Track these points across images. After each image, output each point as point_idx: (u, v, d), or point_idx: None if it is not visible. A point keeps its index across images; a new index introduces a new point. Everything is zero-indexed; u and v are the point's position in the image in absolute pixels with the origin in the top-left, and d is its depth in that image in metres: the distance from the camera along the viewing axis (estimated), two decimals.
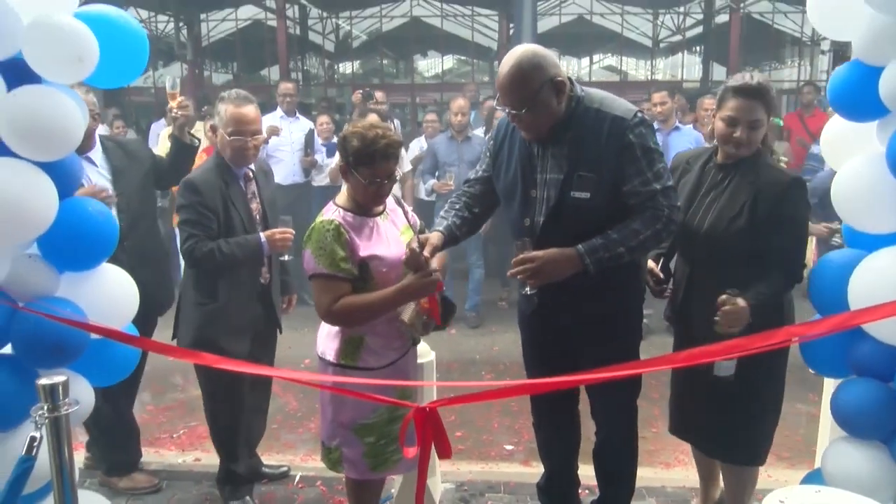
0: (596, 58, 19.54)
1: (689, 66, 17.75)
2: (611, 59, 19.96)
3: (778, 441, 3.94)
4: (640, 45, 17.98)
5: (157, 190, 3.55)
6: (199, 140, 3.41)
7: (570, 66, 18.62)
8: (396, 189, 5.33)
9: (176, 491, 3.29)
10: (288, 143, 6.24)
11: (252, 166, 3.03)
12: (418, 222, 2.62)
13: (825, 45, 14.99)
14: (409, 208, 2.67)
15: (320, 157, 6.40)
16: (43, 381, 1.70)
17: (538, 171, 2.37)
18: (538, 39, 10.03)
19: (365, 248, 2.33)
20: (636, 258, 2.36)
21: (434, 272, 2.26)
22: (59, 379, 1.71)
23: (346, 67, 19.39)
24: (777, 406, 2.52)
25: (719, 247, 2.40)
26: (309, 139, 6.34)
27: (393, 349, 2.44)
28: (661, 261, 2.64)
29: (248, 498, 3.13)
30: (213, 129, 2.98)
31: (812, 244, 5.56)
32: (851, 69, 2.23)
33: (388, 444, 2.45)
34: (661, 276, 2.58)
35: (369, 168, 2.29)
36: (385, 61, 18.64)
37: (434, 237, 2.39)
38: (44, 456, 1.74)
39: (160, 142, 6.43)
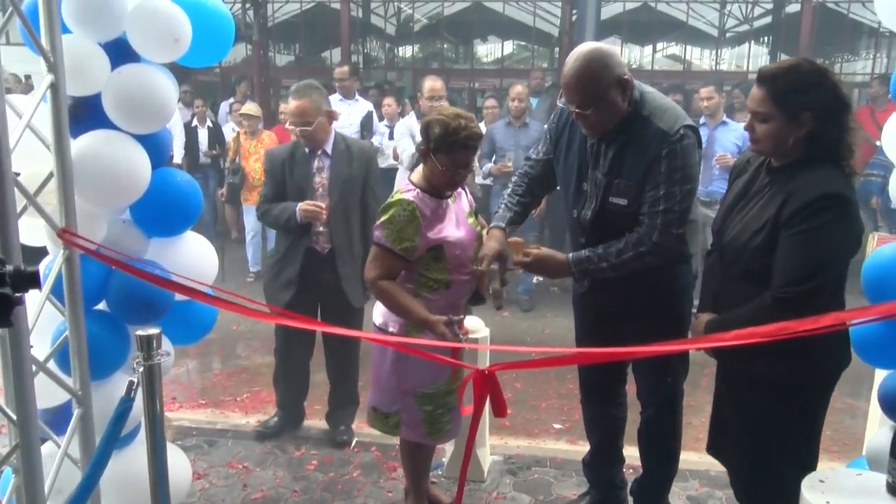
0: (659, 46, 19.15)
1: (755, 58, 17.23)
2: (675, 49, 19.55)
3: (827, 435, 3.93)
4: (705, 35, 17.53)
5: None
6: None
7: (633, 55, 18.33)
8: None
9: (241, 448, 3.51)
10: (346, 126, 6.24)
11: (328, 147, 3.34)
12: (474, 204, 2.74)
13: None
14: (468, 191, 2.78)
15: (378, 138, 6.47)
16: (140, 332, 1.89)
17: (590, 167, 2.43)
18: (601, 26, 9.93)
19: (436, 231, 2.45)
20: (620, 274, 2.36)
21: (462, 336, 2.40)
22: (154, 331, 1.90)
23: (406, 51, 19.50)
24: (811, 463, 2.14)
25: (738, 263, 2.09)
26: (366, 122, 6.40)
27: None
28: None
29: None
30: None
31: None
32: None
33: (443, 414, 2.60)
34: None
35: (447, 156, 2.41)
36: (445, 45, 18.66)
37: (492, 249, 2.43)
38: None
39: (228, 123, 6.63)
